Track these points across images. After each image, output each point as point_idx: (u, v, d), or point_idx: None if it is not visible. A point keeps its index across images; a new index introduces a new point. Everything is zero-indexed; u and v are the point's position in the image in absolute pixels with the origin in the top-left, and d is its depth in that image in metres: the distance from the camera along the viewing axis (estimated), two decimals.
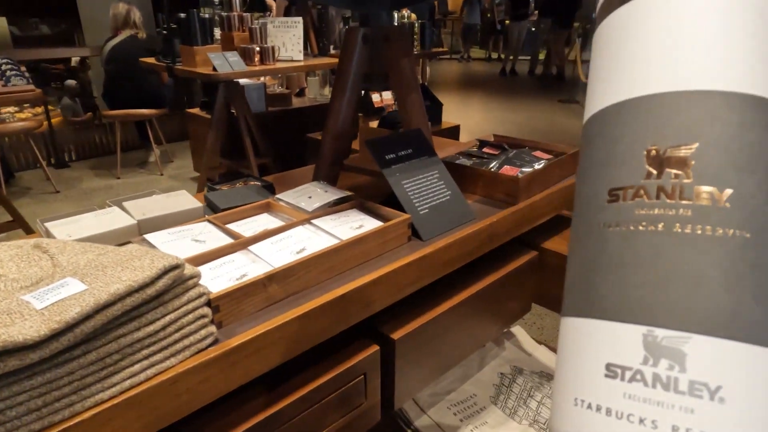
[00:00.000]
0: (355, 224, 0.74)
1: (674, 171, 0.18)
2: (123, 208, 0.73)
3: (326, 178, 0.91)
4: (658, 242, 0.18)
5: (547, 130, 5.56)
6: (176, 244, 0.65)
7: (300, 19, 2.87)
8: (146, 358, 0.47)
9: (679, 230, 0.18)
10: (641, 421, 0.17)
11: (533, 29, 8.97)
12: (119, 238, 0.67)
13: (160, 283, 0.46)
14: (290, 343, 0.57)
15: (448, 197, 0.82)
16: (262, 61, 2.73)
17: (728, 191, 0.17)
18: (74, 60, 5.36)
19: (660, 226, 0.18)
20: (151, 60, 3.02)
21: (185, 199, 0.77)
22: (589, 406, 0.18)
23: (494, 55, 11.81)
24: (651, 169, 0.19)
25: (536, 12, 8.78)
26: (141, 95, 3.83)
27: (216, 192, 0.83)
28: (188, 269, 0.50)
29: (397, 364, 0.73)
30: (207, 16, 2.69)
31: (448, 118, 3.50)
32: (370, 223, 0.75)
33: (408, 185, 0.79)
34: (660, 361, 0.17)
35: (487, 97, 7.54)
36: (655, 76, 0.19)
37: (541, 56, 9.71)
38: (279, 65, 2.79)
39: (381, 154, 0.79)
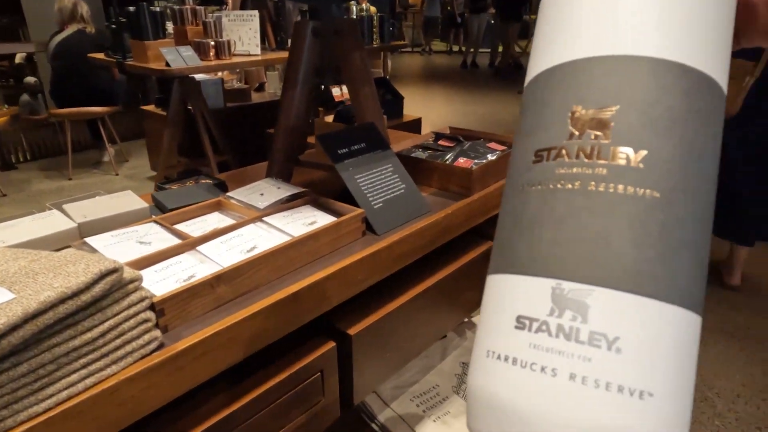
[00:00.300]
0: (307, 220, 0.73)
1: (594, 132, 0.19)
2: (63, 211, 0.70)
3: (280, 174, 0.89)
4: (573, 200, 0.18)
5: (509, 120, 5.65)
6: (120, 246, 0.63)
7: (256, 12, 2.81)
8: (84, 367, 0.45)
9: (594, 188, 0.18)
10: (542, 369, 0.17)
11: (492, 21, 9.08)
12: (58, 243, 0.64)
13: (96, 289, 0.44)
14: (241, 345, 0.56)
15: (403, 190, 0.82)
16: (217, 56, 2.66)
17: (643, 152, 0.18)
18: (19, 56, 5.09)
19: (576, 184, 0.18)
20: (100, 55, 2.90)
21: (130, 200, 0.75)
22: (499, 357, 0.19)
23: (455, 48, 11.89)
24: (573, 130, 0.19)
25: None
26: (91, 92, 3.68)
27: (164, 192, 0.81)
28: (128, 273, 0.48)
29: (354, 359, 0.72)
30: (158, 9, 2.60)
31: (411, 111, 3.51)
32: (324, 219, 0.74)
33: (361, 179, 0.78)
34: (565, 313, 0.18)
35: (449, 90, 7.60)
36: (584, 41, 0.20)
37: (501, 48, 9.84)
38: (235, 60, 2.72)
39: (333, 149, 0.78)
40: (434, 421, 1.00)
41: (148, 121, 3.61)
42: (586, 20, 0.20)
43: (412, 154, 1.00)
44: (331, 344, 0.69)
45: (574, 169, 0.19)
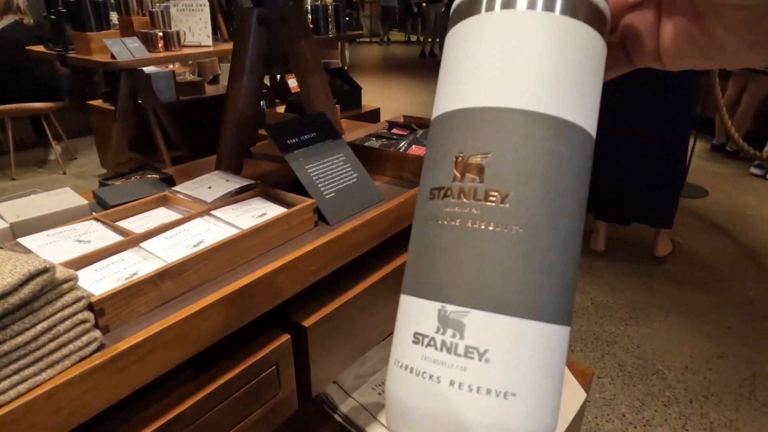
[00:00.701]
0: (257, 213, 0.71)
1: (471, 175, 0.22)
2: None
3: (229, 167, 0.87)
4: (454, 235, 0.22)
5: None
6: (56, 246, 0.60)
7: (206, 1, 2.72)
8: (16, 372, 0.43)
9: (470, 225, 0.22)
10: (430, 377, 0.21)
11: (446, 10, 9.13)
12: None
13: (25, 291, 0.42)
14: (188, 342, 0.55)
15: (355, 179, 0.82)
16: (166, 47, 2.57)
17: (510, 194, 0.21)
18: None
19: (457, 221, 0.22)
20: (40, 48, 2.75)
21: (69, 197, 0.71)
22: (401, 366, 0.23)
23: (413, 38, 11.90)
24: (457, 173, 0.22)
25: None
26: (32, 87, 3.50)
27: (106, 188, 0.78)
28: (61, 272, 0.46)
29: (310, 351, 0.72)
30: None
31: (370, 101, 3.49)
32: (275, 211, 0.73)
33: (312, 169, 0.77)
34: (447, 330, 0.21)
35: (408, 80, 7.61)
36: (470, 92, 0.23)
37: None
38: (186, 51, 2.64)
39: (282, 140, 0.77)
40: None
41: (95, 116, 3.46)
42: (474, 71, 0.23)
43: (366, 143, 0.99)
44: (286, 337, 0.68)
45: (456, 209, 0.22)
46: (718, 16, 0.23)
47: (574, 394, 1.06)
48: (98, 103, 3.39)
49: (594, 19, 0.23)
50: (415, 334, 0.22)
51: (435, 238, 0.22)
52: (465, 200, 0.22)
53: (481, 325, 0.21)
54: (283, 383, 0.70)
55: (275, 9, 0.85)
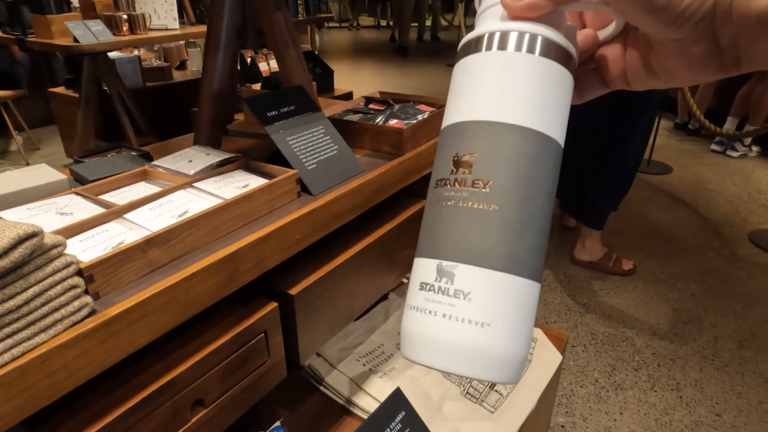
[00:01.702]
0: (240, 184, 0.72)
1: (463, 169, 0.30)
2: None
3: (208, 142, 0.87)
4: (450, 212, 0.29)
5: (438, 90, 5.73)
6: (37, 219, 0.59)
7: None
8: (10, 336, 0.43)
9: (461, 205, 0.29)
10: (430, 312, 0.29)
11: None
12: None
13: (16, 254, 0.42)
14: (178, 308, 0.55)
15: (336, 151, 0.83)
16: (131, 31, 2.50)
17: (490, 182, 0.29)
18: None
19: (452, 202, 0.29)
20: None
21: (46, 173, 0.70)
22: (411, 307, 0.30)
23: (383, 23, 11.82)
24: (453, 168, 0.30)
25: None
26: None
27: (83, 164, 0.77)
28: (49, 238, 0.46)
29: (297, 319, 0.73)
30: None
31: (341, 85, 3.47)
32: (257, 182, 0.73)
33: (293, 141, 0.78)
34: (442, 279, 0.29)
35: (379, 64, 7.57)
36: (466, 109, 0.31)
37: (428, 22, 9.89)
38: (152, 35, 2.57)
39: (262, 112, 0.77)
40: (380, 377, 1.03)
41: (57, 104, 3.34)
42: (471, 95, 0.31)
43: (344, 118, 1.00)
44: (273, 305, 0.69)
45: (452, 193, 0.30)
46: (663, 46, 0.31)
47: (551, 357, 1.10)
48: (60, 90, 3.27)
49: (563, 58, 0.31)
50: (421, 283, 0.30)
51: (436, 216, 0.30)
52: (458, 187, 0.29)
53: (466, 275, 0.28)
54: (272, 351, 0.71)
55: None
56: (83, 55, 2.45)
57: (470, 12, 11.19)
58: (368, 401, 0.98)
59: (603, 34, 0.35)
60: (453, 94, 0.32)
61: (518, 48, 0.30)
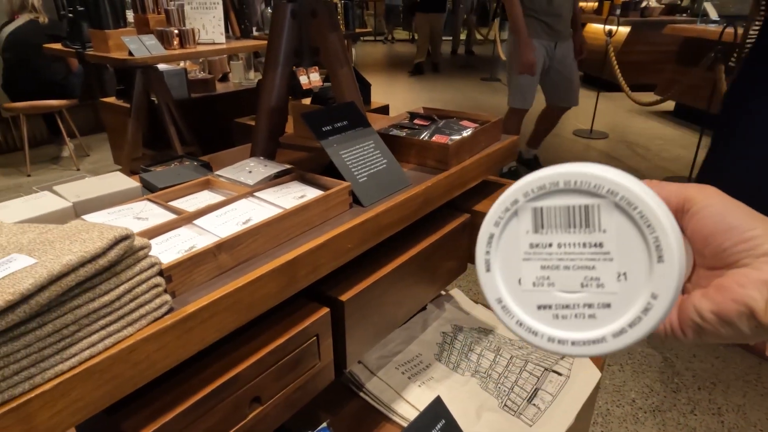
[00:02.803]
0: (297, 194, 0.76)
1: None
2: (54, 192, 0.71)
3: (264, 153, 0.92)
4: None
5: (471, 105, 5.74)
6: (118, 223, 0.64)
7: None
8: (103, 328, 0.47)
9: None
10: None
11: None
12: (54, 222, 0.65)
13: (112, 254, 0.47)
14: (243, 308, 0.60)
15: (385, 165, 0.86)
16: (181, 45, 2.62)
17: None
18: None
19: None
20: (57, 46, 2.81)
21: (120, 180, 0.76)
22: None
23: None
24: None
25: None
26: (46, 85, 3.56)
27: (151, 172, 0.82)
28: (138, 240, 0.50)
29: (347, 324, 0.77)
30: None
31: (377, 98, 3.54)
32: (312, 193, 0.77)
33: (346, 155, 0.82)
34: None
35: (413, 77, 7.64)
36: None
37: (463, 36, 9.94)
38: (200, 48, 2.69)
39: (317, 126, 0.81)
40: (419, 386, 1.06)
41: (108, 113, 3.51)
42: None
43: (390, 133, 1.04)
44: (325, 310, 0.73)
45: None
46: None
47: (590, 373, 1.10)
48: (111, 100, 3.44)
49: None
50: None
51: None
52: None
53: None
54: (322, 354, 0.75)
55: (306, 3, 0.90)
56: (136, 68, 2.58)
57: (505, 26, 11.19)
58: (407, 409, 1.00)
59: None
60: None
61: None
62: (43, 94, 3.55)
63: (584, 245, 0.31)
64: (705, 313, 0.31)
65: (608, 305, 0.31)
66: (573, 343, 0.31)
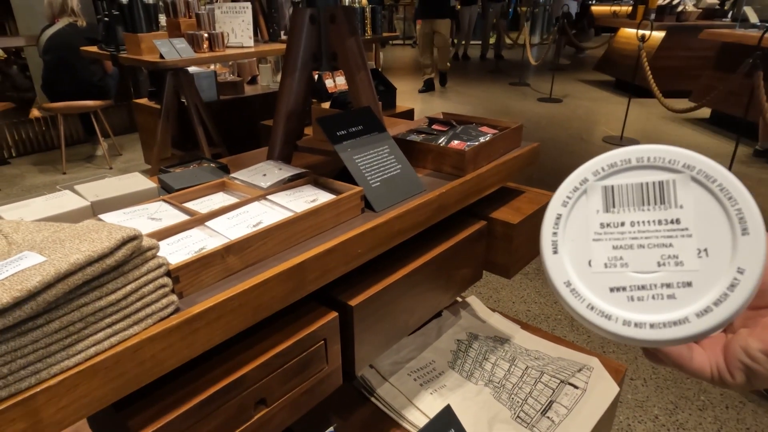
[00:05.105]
0: (309, 198, 0.76)
1: None
2: (75, 191, 0.73)
3: (280, 157, 0.93)
4: None
5: (500, 110, 5.69)
6: (132, 222, 0.66)
7: (248, 3, 2.82)
8: (109, 326, 0.48)
9: None
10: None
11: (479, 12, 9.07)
12: (72, 220, 0.67)
13: (119, 254, 0.48)
14: (250, 311, 0.60)
15: (399, 170, 0.86)
16: (211, 48, 2.68)
17: None
18: None
19: None
20: (93, 49, 2.90)
21: (139, 180, 0.78)
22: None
23: None
24: None
25: None
26: (83, 86, 3.68)
27: (169, 174, 0.84)
28: (146, 241, 0.51)
29: (355, 329, 0.76)
30: (151, 1, 2.60)
31: (404, 102, 3.54)
32: (324, 197, 0.77)
33: (359, 160, 0.82)
34: None
35: (425, 93, 7.61)
36: None
37: (492, 40, 9.87)
38: (229, 52, 2.74)
39: (332, 131, 0.82)
40: (431, 393, 1.05)
41: (140, 114, 3.61)
42: None
43: (407, 138, 1.03)
44: (334, 314, 0.73)
45: None
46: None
47: (607, 388, 1.07)
48: (143, 101, 3.54)
49: None
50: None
51: None
52: None
53: None
54: (330, 359, 0.75)
55: (326, 8, 0.90)
56: (167, 70, 2.65)
57: (535, 31, 11.04)
58: (418, 416, 0.99)
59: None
60: None
61: None
62: (81, 95, 3.67)
63: (660, 222, 0.29)
64: (755, 352, 0.29)
65: (689, 284, 0.29)
66: (652, 326, 0.29)
